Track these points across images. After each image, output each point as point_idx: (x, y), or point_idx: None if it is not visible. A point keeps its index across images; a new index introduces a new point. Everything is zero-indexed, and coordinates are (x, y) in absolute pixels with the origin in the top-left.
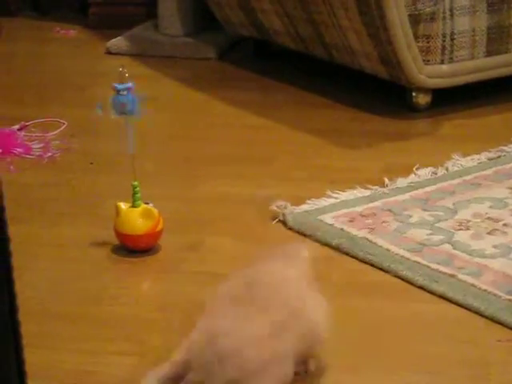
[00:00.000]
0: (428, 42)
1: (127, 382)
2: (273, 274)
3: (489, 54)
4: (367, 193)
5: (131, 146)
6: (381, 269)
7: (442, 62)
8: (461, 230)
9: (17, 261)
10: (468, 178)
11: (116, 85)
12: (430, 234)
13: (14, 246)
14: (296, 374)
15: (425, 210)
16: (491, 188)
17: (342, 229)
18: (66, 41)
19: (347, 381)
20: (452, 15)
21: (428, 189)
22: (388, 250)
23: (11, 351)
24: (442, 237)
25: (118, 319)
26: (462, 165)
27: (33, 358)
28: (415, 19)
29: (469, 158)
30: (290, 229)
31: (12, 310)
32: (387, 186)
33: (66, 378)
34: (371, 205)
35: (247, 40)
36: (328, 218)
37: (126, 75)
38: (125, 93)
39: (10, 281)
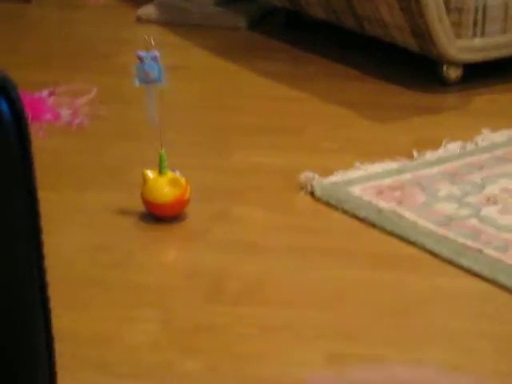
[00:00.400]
0: (460, 16)
1: (151, 348)
2: None
3: None
4: (396, 165)
5: (154, 116)
6: (408, 242)
7: (474, 36)
8: (488, 204)
9: (44, 225)
10: (497, 153)
11: (140, 53)
12: (458, 208)
13: (42, 211)
14: None
15: (453, 183)
16: None
17: (369, 201)
18: (96, 8)
19: (368, 351)
20: None
21: (457, 163)
22: (415, 223)
23: (39, 314)
24: (469, 211)
25: (143, 286)
26: (491, 140)
27: (57, 323)
28: None
29: (498, 133)
30: (318, 200)
31: (40, 271)
32: (416, 159)
33: (91, 343)
34: (399, 178)
35: (279, 10)
36: (356, 190)
37: (152, 43)
38: (149, 61)
39: (39, 242)
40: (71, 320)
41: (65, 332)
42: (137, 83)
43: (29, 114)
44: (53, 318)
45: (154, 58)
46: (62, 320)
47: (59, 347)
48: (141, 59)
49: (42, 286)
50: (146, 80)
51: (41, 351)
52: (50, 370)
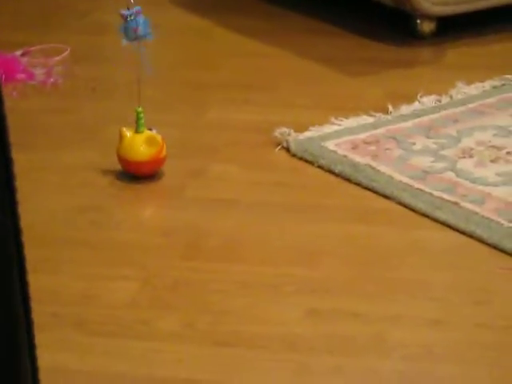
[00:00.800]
0: None
1: (130, 306)
2: None
3: None
4: (371, 120)
5: (149, 69)
6: (384, 196)
7: None
8: (464, 157)
9: (20, 186)
10: (472, 105)
11: (123, 11)
12: (434, 162)
13: (17, 172)
14: None
15: (428, 137)
16: (495, 116)
17: (345, 155)
18: None
19: (347, 306)
20: None
21: (432, 116)
22: (391, 177)
23: (15, 273)
24: (445, 164)
25: (121, 245)
26: (465, 93)
27: (36, 283)
28: None
29: (473, 85)
30: (294, 155)
31: (16, 232)
32: (391, 113)
33: (70, 302)
34: (374, 132)
35: None
36: (331, 145)
37: (132, 1)
38: (133, 17)
39: (14, 203)
40: (48, 280)
41: (43, 292)
42: (124, 42)
43: (2, 74)
44: (30, 278)
45: (138, 13)
46: (38, 280)
47: (38, 307)
48: (124, 18)
49: (18, 246)
50: (134, 37)
51: (18, 312)
52: (28, 331)
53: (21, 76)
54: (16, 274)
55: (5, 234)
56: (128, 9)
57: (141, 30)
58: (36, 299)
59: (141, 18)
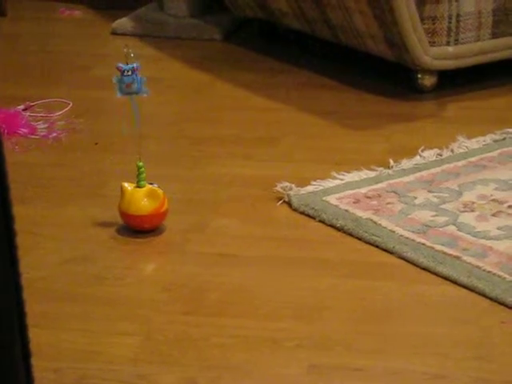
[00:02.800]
0: (434, 24)
1: (132, 361)
2: None
3: (494, 35)
4: (372, 174)
5: (138, 123)
6: (385, 250)
7: (448, 44)
8: (465, 211)
9: (21, 241)
10: (473, 159)
11: (121, 65)
12: (435, 216)
13: (18, 227)
14: None
15: (430, 191)
16: (496, 170)
17: (346, 210)
18: (70, 21)
19: (348, 361)
20: None
21: (433, 170)
22: (393, 231)
23: (16, 331)
24: (446, 218)
25: (122, 299)
26: (467, 146)
27: (37, 338)
28: (421, 1)
29: (474, 139)
30: (295, 210)
31: (17, 289)
32: (392, 167)
33: (71, 358)
34: (376, 186)
35: (252, 21)
36: (333, 199)
37: (132, 55)
38: (129, 73)
39: (15, 260)
40: (49, 335)
41: (44, 348)
42: (118, 95)
43: (5, 128)
44: (30, 333)
45: (134, 70)
46: (39, 336)
47: (38, 363)
48: (121, 71)
49: (19, 303)
50: (127, 91)
51: (18, 368)
52: None
53: (23, 130)
54: (17, 331)
55: (5, 291)
56: (127, 63)
57: (134, 87)
58: (37, 355)
59: (137, 76)
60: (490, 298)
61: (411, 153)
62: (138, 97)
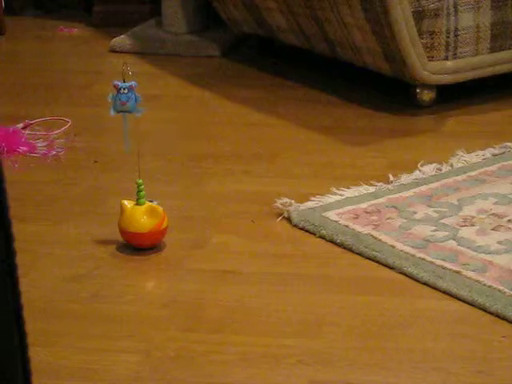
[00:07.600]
0: (432, 39)
1: (132, 379)
2: None
3: (493, 50)
4: (372, 189)
5: (127, 144)
6: (386, 265)
7: (446, 59)
8: (465, 226)
9: (21, 259)
10: (472, 174)
11: (117, 82)
12: (435, 231)
13: (18, 245)
14: None
15: (429, 206)
16: (496, 184)
17: (346, 225)
18: (69, 39)
19: (349, 377)
20: (456, 11)
21: (432, 185)
22: (393, 246)
23: (16, 349)
24: (446, 233)
25: (122, 317)
26: (466, 161)
27: (37, 356)
28: (419, 15)
29: (473, 154)
30: (295, 226)
31: (17, 308)
32: (392, 182)
33: (72, 376)
34: (376, 201)
35: (251, 37)
36: (333, 215)
37: (130, 73)
38: (126, 91)
39: (15, 279)
40: (50, 353)
41: (44, 366)
42: (112, 113)
43: (4, 146)
44: (31, 352)
45: (131, 88)
46: (40, 354)
47: (38, 381)
48: (117, 89)
49: (19, 322)
50: (121, 109)
51: None
52: None
53: (22, 149)
54: (17, 350)
55: (5, 310)
56: (124, 81)
57: (129, 106)
58: (36, 373)
59: (132, 93)
60: (491, 313)
61: (410, 168)
62: (132, 115)
